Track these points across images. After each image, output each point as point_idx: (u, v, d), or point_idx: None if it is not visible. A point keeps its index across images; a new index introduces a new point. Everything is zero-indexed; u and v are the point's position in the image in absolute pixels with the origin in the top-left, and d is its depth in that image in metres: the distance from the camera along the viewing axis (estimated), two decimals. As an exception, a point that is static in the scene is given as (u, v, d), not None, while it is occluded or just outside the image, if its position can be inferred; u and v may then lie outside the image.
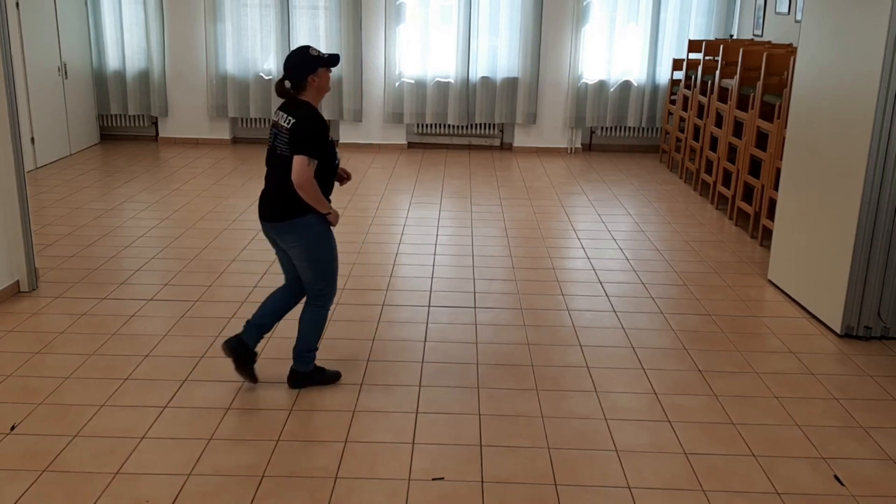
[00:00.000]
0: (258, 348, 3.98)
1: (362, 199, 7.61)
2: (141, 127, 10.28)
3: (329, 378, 3.98)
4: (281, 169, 3.61)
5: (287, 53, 10.44)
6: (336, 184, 3.85)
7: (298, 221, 3.64)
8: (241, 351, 3.84)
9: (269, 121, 10.14)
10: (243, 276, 5.46)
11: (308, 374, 3.93)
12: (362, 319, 4.77)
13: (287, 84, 3.64)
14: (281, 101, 3.70)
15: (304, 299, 3.89)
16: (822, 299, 4.87)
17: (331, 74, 3.70)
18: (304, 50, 3.61)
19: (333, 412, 3.70)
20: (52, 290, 5.11)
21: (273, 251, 3.91)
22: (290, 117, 3.57)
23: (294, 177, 3.52)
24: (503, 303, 5.10)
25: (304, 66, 3.59)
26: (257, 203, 3.83)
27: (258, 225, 6.58)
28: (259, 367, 3.96)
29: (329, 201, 3.72)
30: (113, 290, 5.14)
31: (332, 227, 3.75)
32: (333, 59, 3.64)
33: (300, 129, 3.53)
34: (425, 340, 4.50)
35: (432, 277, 5.52)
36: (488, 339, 4.55)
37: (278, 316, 3.93)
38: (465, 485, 3.18)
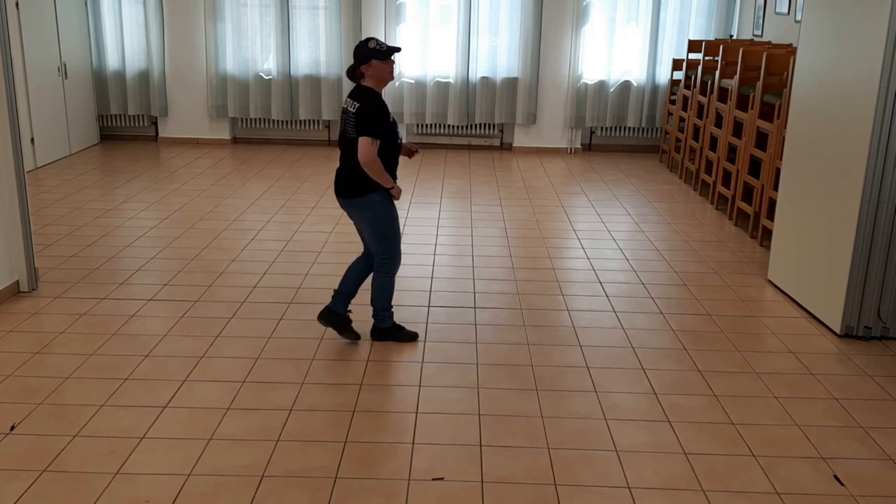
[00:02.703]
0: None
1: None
2: (141, 127, 10.28)
3: (407, 336, 4.47)
4: (351, 150, 4.05)
5: (286, 53, 10.43)
6: (407, 158, 4.44)
7: (366, 199, 4.11)
8: (335, 319, 4.38)
9: (269, 121, 10.16)
10: (243, 276, 5.46)
11: (386, 330, 4.44)
12: (362, 319, 4.76)
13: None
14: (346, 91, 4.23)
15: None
16: (822, 299, 4.87)
17: (391, 67, 4.08)
18: (365, 42, 4.05)
19: (333, 412, 3.71)
20: (52, 290, 5.11)
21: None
22: (355, 103, 4.02)
23: (360, 156, 3.98)
24: (503, 303, 5.10)
25: (361, 57, 4.04)
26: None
27: (258, 225, 6.65)
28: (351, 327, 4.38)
29: (395, 177, 4.18)
30: (113, 290, 5.14)
31: (395, 201, 4.20)
32: (385, 54, 4.03)
33: (364, 113, 3.98)
34: (425, 340, 4.50)
35: (432, 277, 5.52)
36: (488, 339, 4.55)
37: (359, 280, 4.40)
38: (465, 485, 3.18)
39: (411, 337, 4.47)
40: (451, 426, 3.61)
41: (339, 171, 4.20)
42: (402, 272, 5.58)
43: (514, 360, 4.29)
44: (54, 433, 3.46)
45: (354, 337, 4.42)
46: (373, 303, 4.39)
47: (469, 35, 9.77)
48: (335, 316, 4.37)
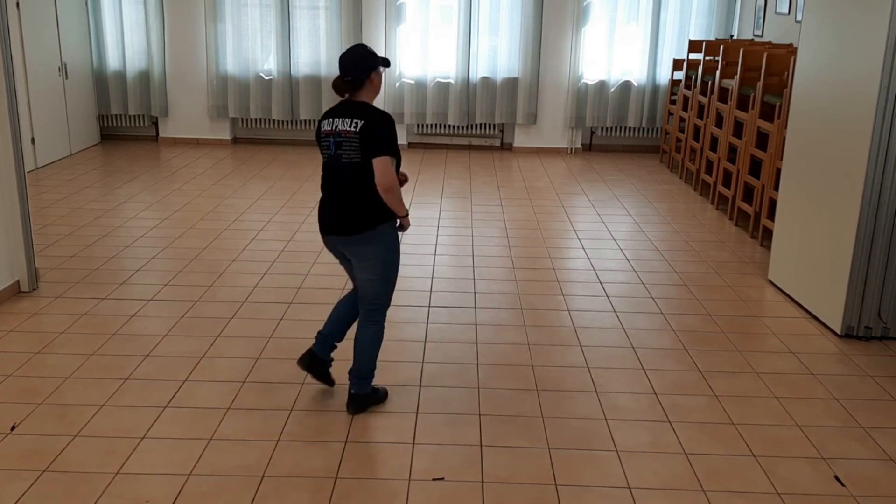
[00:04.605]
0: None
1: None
2: (141, 127, 10.28)
3: (381, 397, 3.80)
4: (351, 177, 3.41)
5: (286, 53, 10.24)
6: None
7: (378, 231, 3.46)
8: (315, 364, 3.79)
9: (269, 121, 10.15)
10: (243, 276, 5.46)
11: (366, 397, 3.72)
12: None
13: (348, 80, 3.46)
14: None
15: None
16: (823, 299, 4.87)
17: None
18: (363, 47, 3.52)
19: (333, 412, 3.70)
20: (53, 290, 5.11)
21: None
22: (355, 121, 3.39)
23: (380, 180, 3.36)
24: (503, 303, 5.10)
25: (366, 62, 3.46)
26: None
27: (258, 225, 6.64)
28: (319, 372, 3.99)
29: None
30: (113, 290, 5.14)
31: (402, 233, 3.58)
32: (387, 62, 3.56)
33: (377, 128, 3.38)
34: (425, 340, 4.50)
35: (432, 277, 5.52)
36: (488, 339, 4.55)
37: (346, 322, 3.78)
38: (465, 485, 3.18)
39: (385, 395, 3.82)
40: (451, 426, 3.61)
41: (330, 206, 3.52)
42: (402, 272, 5.56)
43: (514, 360, 4.28)
44: (55, 433, 3.46)
45: (328, 383, 3.87)
46: (356, 362, 3.64)
47: (469, 35, 9.77)
48: (316, 361, 3.78)
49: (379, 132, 3.38)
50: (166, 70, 9.90)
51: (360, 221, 3.45)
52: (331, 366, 3.85)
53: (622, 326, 4.78)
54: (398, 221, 3.56)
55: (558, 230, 6.79)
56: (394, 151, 3.42)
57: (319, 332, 3.80)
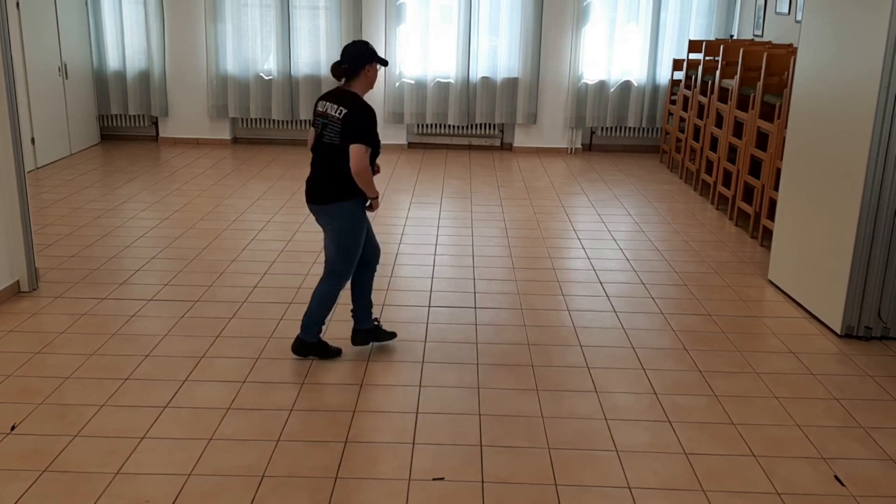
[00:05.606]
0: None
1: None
2: (141, 127, 10.28)
3: (330, 353, 4.23)
4: (327, 157, 3.91)
5: (286, 53, 10.32)
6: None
7: (339, 206, 3.93)
8: (368, 335, 4.32)
9: (269, 121, 10.16)
10: (243, 276, 5.46)
11: (311, 345, 4.19)
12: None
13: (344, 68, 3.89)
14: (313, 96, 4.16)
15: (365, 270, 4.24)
16: (823, 299, 4.87)
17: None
18: (366, 43, 3.98)
19: (333, 412, 3.71)
20: (53, 290, 5.11)
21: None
22: (340, 108, 3.84)
23: (353, 165, 3.81)
24: (503, 303, 5.10)
25: (364, 56, 3.91)
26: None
27: (258, 225, 6.65)
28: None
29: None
30: (113, 290, 5.14)
31: (368, 214, 4.05)
32: (385, 61, 4.05)
33: (358, 118, 3.82)
34: (425, 340, 4.50)
35: (432, 277, 5.52)
36: (488, 339, 4.55)
37: (364, 290, 4.27)
38: (465, 485, 3.18)
39: (335, 353, 4.25)
40: (451, 426, 3.61)
41: (311, 178, 4.02)
42: (402, 272, 5.59)
43: (514, 360, 4.28)
44: (55, 433, 3.46)
45: (391, 336, 4.40)
46: (307, 314, 4.12)
47: (469, 35, 9.77)
48: (363, 333, 4.32)
49: (359, 122, 3.83)
50: (166, 70, 9.90)
51: (328, 194, 3.93)
52: (379, 323, 4.37)
53: (622, 326, 4.78)
54: (368, 201, 4.01)
55: (558, 230, 6.79)
56: (369, 141, 3.84)
57: (352, 310, 4.30)
